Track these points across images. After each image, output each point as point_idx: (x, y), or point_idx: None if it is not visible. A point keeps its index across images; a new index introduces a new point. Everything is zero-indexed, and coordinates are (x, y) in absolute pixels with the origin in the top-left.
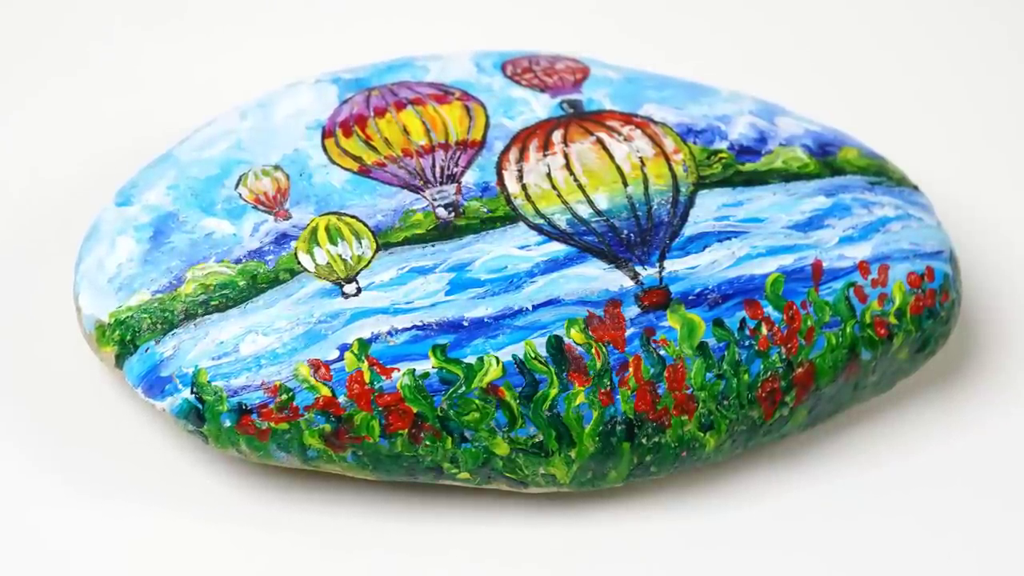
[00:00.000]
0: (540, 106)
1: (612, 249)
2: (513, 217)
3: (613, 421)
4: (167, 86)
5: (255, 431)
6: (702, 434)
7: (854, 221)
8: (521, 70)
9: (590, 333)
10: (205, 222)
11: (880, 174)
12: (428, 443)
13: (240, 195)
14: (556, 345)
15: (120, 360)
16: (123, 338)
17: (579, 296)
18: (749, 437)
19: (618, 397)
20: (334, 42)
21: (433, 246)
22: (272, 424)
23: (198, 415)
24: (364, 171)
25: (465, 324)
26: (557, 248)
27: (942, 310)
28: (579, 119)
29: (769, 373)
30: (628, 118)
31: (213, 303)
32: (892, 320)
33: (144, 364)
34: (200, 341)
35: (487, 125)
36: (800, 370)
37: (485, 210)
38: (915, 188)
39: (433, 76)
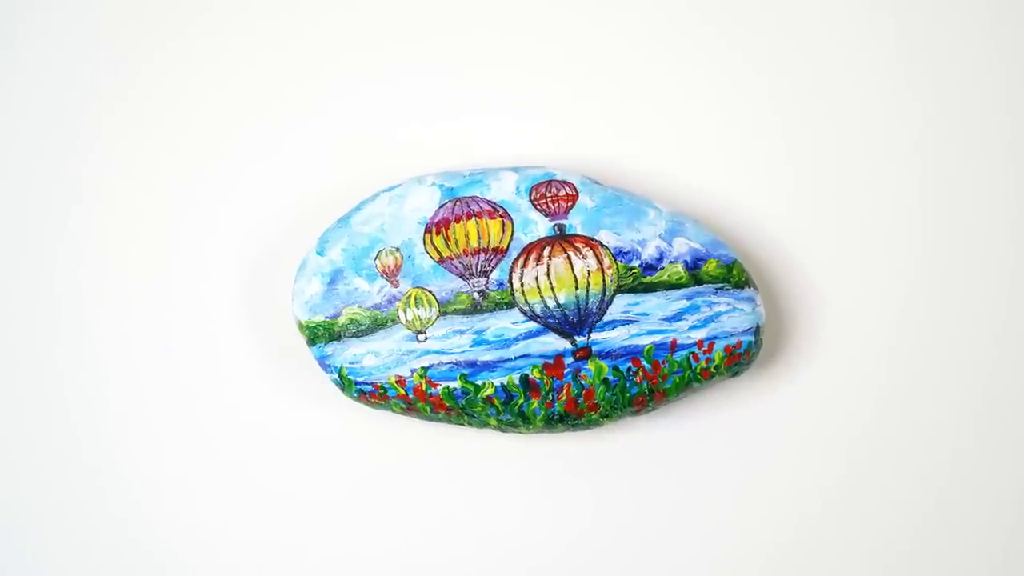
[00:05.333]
0: (542, 227)
1: (562, 327)
2: (512, 304)
3: (553, 414)
4: (374, 141)
5: (367, 401)
6: (602, 419)
7: (699, 316)
8: (539, 196)
9: (544, 372)
10: (356, 280)
11: (726, 280)
12: (454, 418)
13: (375, 265)
14: (523, 379)
15: (309, 343)
16: (310, 336)
17: (540, 353)
18: (630, 416)
19: (555, 404)
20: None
21: (467, 317)
22: (375, 401)
23: (341, 388)
24: (441, 261)
25: (478, 363)
26: (532, 325)
27: (744, 362)
28: (561, 239)
29: (640, 395)
30: (587, 240)
31: (352, 331)
32: (712, 370)
33: (319, 352)
34: (344, 352)
35: (512, 237)
36: (658, 392)
37: (499, 298)
38: (747, 285)
39: (492, 193)
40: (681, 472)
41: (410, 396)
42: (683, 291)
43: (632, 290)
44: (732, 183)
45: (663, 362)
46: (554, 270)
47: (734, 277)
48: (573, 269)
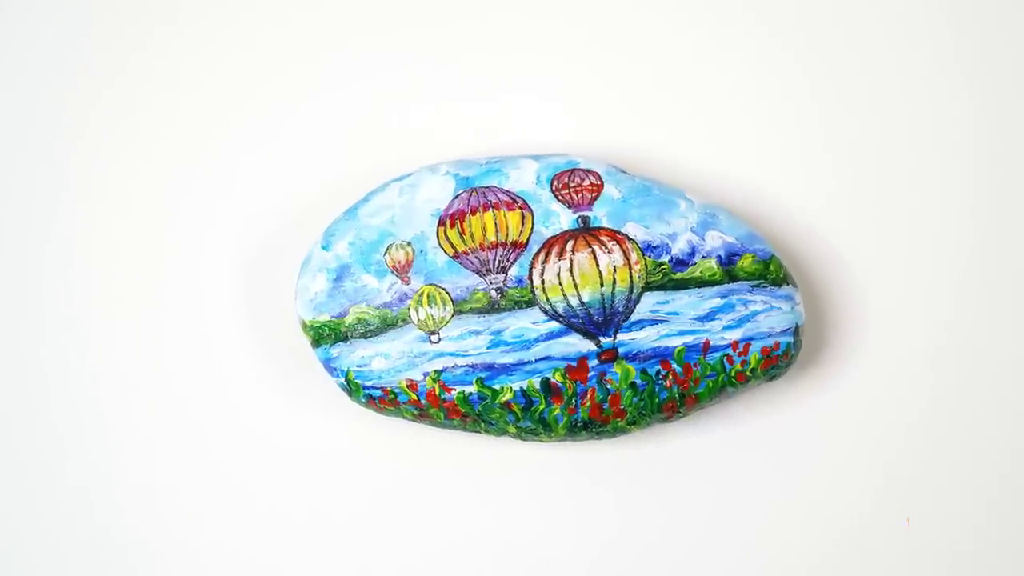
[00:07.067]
0: (565, 219)
1: (586, 327)
2: (532, 302)
3: (577, 421)
4: (380, 133)
5: (376, 407)
6: (629, 426)
7: (734, 315)
8: (561, 185)
9: (567, 375)
10: (364, 276)
11: (763, 276)
12: (470, 425)
13: (385, 261)
14: (544, 383)
15: (314, 345)
16: (314, 336)
17: (563, 355)
18: (659, 423)
19: (579, 410)
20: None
21: (484, 316)
22: (384, 407)
23: (348, 393)
24: (456, 256)
25: (496, 366)
26: (554, 326)
27: (782, 364)
28: (585, 233)
29: (670, 400)
30: (613, 234)
31: (359, 331)
32: (748, 374)
33: (325, 354)
34: (351, 354)
35: (532, 231)
36: (689, 397)
37: (518, 296)
38: (785, 282)
39: (511, 183)
40: (713, 484)
41: (422, 402)
42: (716, 288)
43: (661, 287)
44: (769, 172)
45: (695, 365)
46: (577, 266)
47: (771, 273)
48: (598, 265)
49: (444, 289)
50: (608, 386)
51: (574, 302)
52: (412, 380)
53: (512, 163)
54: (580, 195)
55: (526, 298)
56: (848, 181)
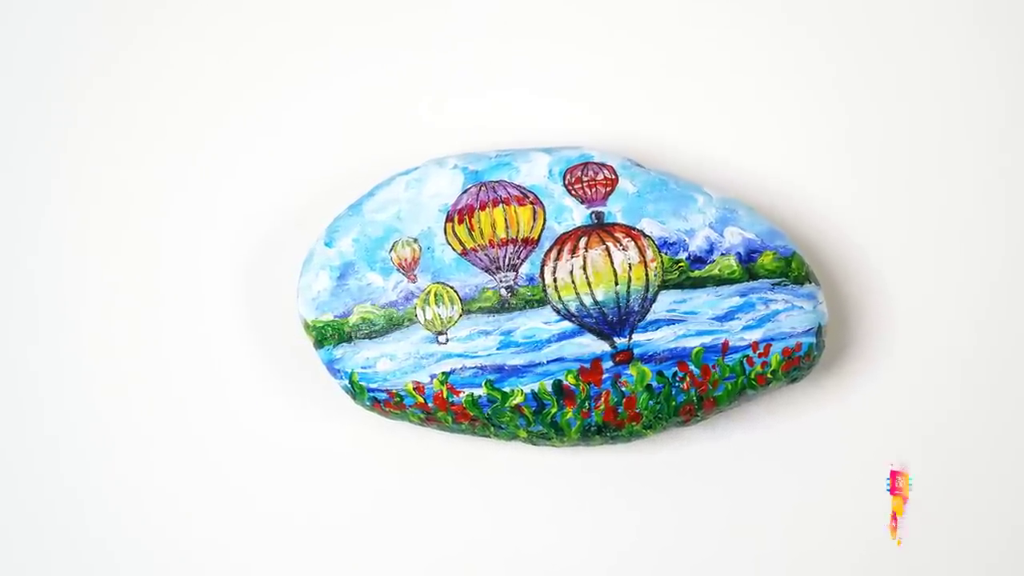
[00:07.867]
0: (578, 215)
1: (600, 327)
2: (544, 301)
3: (590, 425)
4: (381, 127)
5: (381, 410)
6: (645, 430)
7: (754, 314)
8: (574, 180)
9: (580, 377)
10: (369, 275)
11: (784, 275)
12: (479, 429)
13: (390, 258)
14: (556, 385)
15: (316, 345)
16: (317, 337)
17: (576, 356)
18: (676, 427)
19: (592, 413)
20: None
21: (494, 316)
22: (390, 410)
23: (352, 396)
24: (464, 253)
25: (506, 368)
26: (567, 326)
27: (804, 366)
28: (599, 228)
29: (687, 403)
30: (628, 230)
31: (364, 331)
32: (769, 376)
33: (328, 355)
34: (355, 355)
35: (544, 227)
36: (707, 400)
37: (529, 294)
38: (808, 281)
39: (522, 177)
40: (732, 490)
41: (430, 405)
42: (736, 287)
43: (679, 286)
44: (790, 166)
45: (713, 366)
46: (591, 263)
47: (793, 271)
48: (612, 262)
49: (452, 288)
50: (623, 388)
51: (587, 301)
52: (419, 382)
53: (523, 156)
54: (594, 189)
55: (537, 297)
56: (873, 175)
